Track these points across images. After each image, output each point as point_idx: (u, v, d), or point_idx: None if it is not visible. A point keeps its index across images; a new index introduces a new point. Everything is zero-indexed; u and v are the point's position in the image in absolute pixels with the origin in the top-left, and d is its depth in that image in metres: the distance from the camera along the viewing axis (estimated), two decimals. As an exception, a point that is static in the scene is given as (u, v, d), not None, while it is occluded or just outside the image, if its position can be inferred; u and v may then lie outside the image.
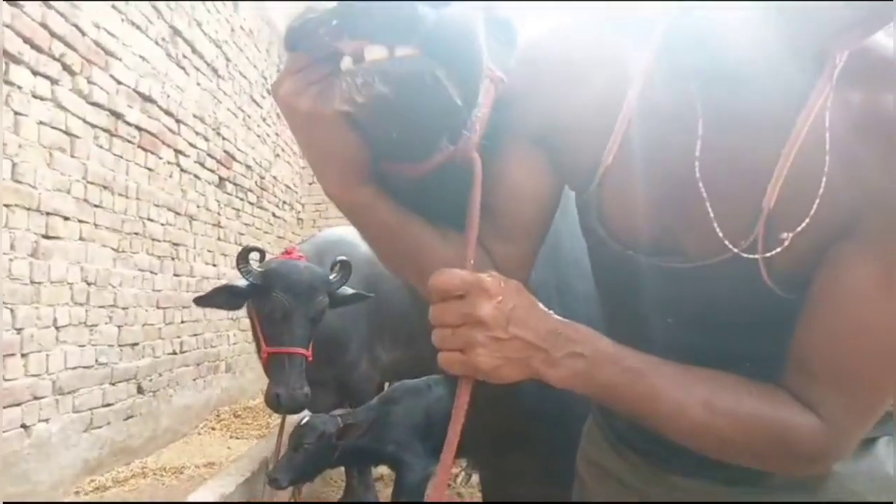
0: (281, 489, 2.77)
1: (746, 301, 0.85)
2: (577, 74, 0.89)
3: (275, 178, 7.48)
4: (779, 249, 0.79)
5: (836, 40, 0.72)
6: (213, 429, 5.24)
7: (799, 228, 0.78)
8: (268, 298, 2.62)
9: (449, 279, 0.78)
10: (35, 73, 3.32)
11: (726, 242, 0.81)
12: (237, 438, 4.97)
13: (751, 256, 0.80)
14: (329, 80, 0.72)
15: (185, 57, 5.11)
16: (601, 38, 0.90)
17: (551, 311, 0.82)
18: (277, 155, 7.66)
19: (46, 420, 3.38)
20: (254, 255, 2.77)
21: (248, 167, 6.58)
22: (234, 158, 6.15)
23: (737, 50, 0.72)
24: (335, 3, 0.70)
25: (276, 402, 2.60)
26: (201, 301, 2.69)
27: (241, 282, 2.65)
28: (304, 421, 2.87)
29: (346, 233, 3.43)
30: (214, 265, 5.69)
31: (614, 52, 0.88)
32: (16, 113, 3.17)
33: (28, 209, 3.25)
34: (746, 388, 0.81)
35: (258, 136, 6.94)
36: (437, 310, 0.79)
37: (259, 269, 2.68)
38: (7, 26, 3.09)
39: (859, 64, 0.76)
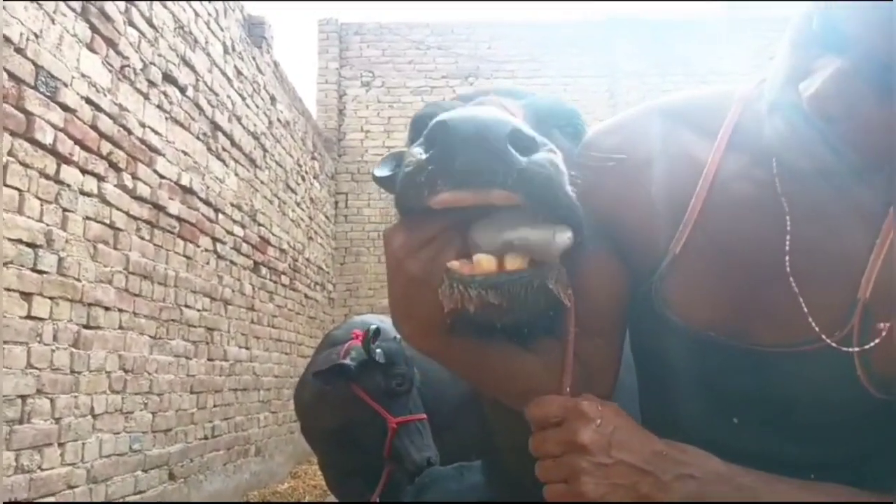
0: None
1: (832, 398, 0.82)
2: (638, 167, 0.91)
3: (307, 259, 7.65)
4: (877, 340, 0.77)
5: None
6: (243, 515, 5.22)
7: None
8: (391, 373, 2.78)
9: (545, 407, 0.79)
10: (84, 172, 3.52)
11: (823, 337, 0.79)
12: (266, 525, 4.93)
13: (849, 349, 0.79)
14: (440, 246, 0.75)
15: (224, 150, 5.36)
16: (660, 129, 0.92)
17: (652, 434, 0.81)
18: (310, 238, 7.85)
19: (79, 509, 3.42)
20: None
21: (282, 251, 6.75)
22: (268, 243, 6.33)
23: (821, 145, 0.72)
24: (426, 155, 0.73)
25: (427, 464, 2.65)
26: (320, 375, 2.80)
27: (350, 362, 2.80)
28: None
29: (374, 318, 3.53)
30: (247, 348, 5.79)
31: (678, 144, 0.90)
32: (64, 210, 3.35)
33: (71, 300, 3.39)
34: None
35: (292, 220, 7.15)
36: (537, 440, 0.79)
37: (377, 349, 2.81)
38: (60, 130, 3.30)
39: None
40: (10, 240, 2.93)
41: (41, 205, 3.16)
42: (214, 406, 5.12)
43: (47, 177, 3.22)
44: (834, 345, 0.79)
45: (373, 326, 2.87)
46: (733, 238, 0.85)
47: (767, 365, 0.84)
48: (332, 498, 5.36)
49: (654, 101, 1.00)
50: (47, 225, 3.20)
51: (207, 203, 5.01)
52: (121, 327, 3.85)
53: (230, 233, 5.44)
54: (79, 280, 3.45)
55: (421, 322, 0.81)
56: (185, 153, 4.68)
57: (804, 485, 0.79)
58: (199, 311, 4.86)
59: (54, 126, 3.25)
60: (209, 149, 5.09)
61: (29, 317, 3.07)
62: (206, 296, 5.00)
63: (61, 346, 3.30)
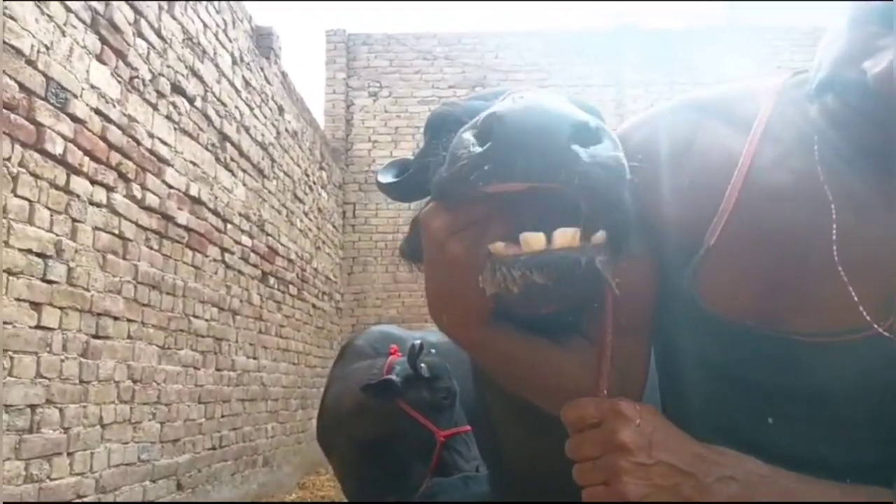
0: None
1: (871, 390, 0.80)
2: (670, 159, 0.90)
3: (315, 269, 7.66)
4: None
5: None
6: (250, 526, 5.21)
7: None
8: (436, 387, 2.79)
9: (583, 408, 0.77)
10: (93, 182, 3.54)
11: (874, 325, 0.78)
12: (274, 536, 4.92)
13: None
14: (484, 227, 0.72)
15: (232, 160, 5.38)
16: (693, 122, 0.92)
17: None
18: (318, 247, 7.87)
19: (88, 519, 3.42)
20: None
21: (290, 261, 6.76)
22: (276, 253, 6.35)
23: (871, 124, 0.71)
24: (482, 149, 0.69)
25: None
26: (369, 389, 2.82)
27: (396, 377, 2.81)
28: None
29: (391, 328, 3.55)
30: (255, 358, 5.79)
31: (711, 136, 0.89)
32: (73, 220, 3.36)
33: (80, 311, 3.40)
34: None
35: (300, 230, 7.17)
36: (574, 443, 0.77)
37: (421, 363, 2.83)
38: (70, 140, 3.32)
39: None
40: (20, 250, 2.94)
41: (51, 215, 3.18)
42: (222, 416, 5.11)
43: (57, 187, 3.24)
44: (886, 333, 0.77)
45: (416, 342, 2.90)
46: (773, 227, 0.83)
47: (805, 355, 0.82)
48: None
49: (686, 95, 1.00)
50: (57, 235, 3.22)
51: (216, 213, 5.03)
52: (129, 337, 3.86)
53: (238, 243, 5.46)
54: (88, 290, 3.46)
55: (463, 310, 0.78)
56: (194, 163, 4.71)
57: (846, 488, 0.78)
58: (207, 320, 4.86)
59: (64, 137, 3.28)
60: (217, 159, 5.11)
61: (39, 327, 3.08)
62: (215, 306, 5.01)
63: (70, 356, 3.31)
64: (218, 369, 5.05)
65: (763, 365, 0.86)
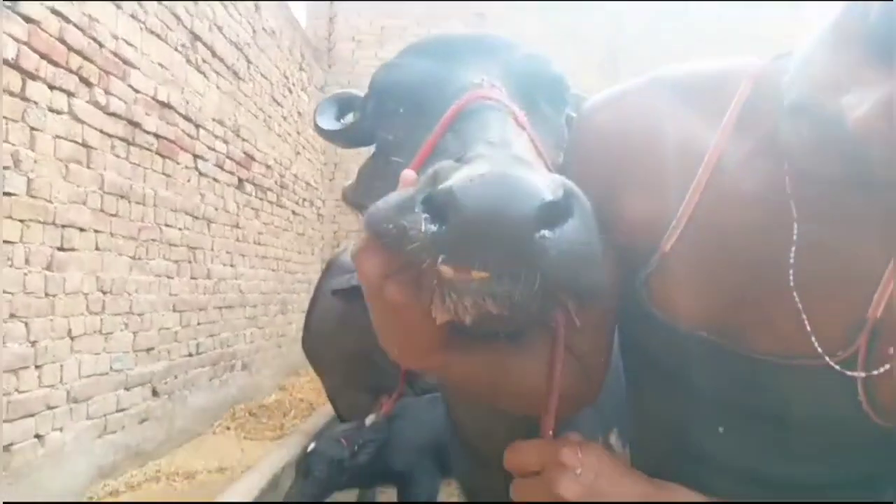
0: None
1: (829, 417, 0.77)
2: (634, 150, 0.84)
3: (295, 175, 7.52)
4: (886, 367, 0.72)
5: None
6: (228, 428, 5.32)
7: None
8: None
9: (524, 455, 0.76)
10: (52, 88, 3.37)
11: (827, 358, 0.74)
12: (251, 440, 5.04)
13: (852, 373, 0.73)
14: (423, 276, 0.66)
15: (204, 62, 5.15)
16: (661, 107, 0.85)
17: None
18: (298, 153, 7.70)
19: (60, 429, 3.46)
20: None
21: (268, 167, 6.62)
22: (253, 159, 6.20)
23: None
24: (433, 231, 0.61)
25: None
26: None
27: None
28: (312, 448, 2.90)
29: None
30: (232, 266, 5.76)
31: (679, 124, 0.82)
32: (32, 128, 3.22)
33: (43, 223, 3.31)
34: None
35: (279, 135, 6.98)
36: (517, 487, 0.77)
37: None
38: (24, 43, 3.13)
39: None
40: (-28, 162, 2.83)
41: (6, 123, 3.04)
42: (199, 324, 5.13)
43: (12, 94, 3.08)
44: (836, 367, 0.74)
45: None
46: (732, 235, 0.78)
47: (761, 373, 0.79)
48: (322, 409, 5.47)
49: (658, 71, 0.91)
50: (13, 145, 3.09)
51: (187, 118, 4.85)
52: (97, 248, 3.79)
53: (212, 149, 5.31)
54: (50, 202, 3.36)
55: (411, 346, 0.75)
56: (162, 66, 4.49)
57: None
58: (180, 230, 4.79)
59: (17, 39, 3.09)
60: (188, 61, 4.89)
61: (-2, 240, 3.00)
62: (188, 214, 4.92)
63: (34, 270, 3.25)
64: (193, 278, 5.02)
65: (716, 377, 0.82)
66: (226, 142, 5.56)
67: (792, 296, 0.75)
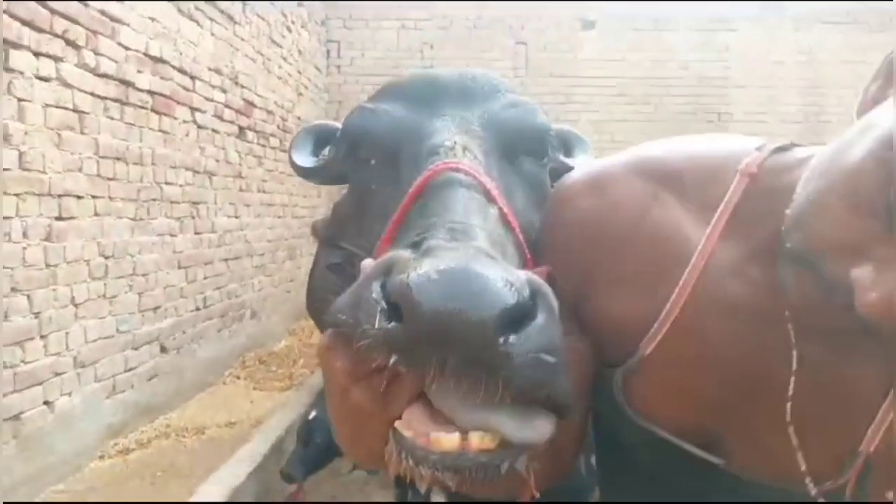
0: (294, 482, 2.89)
1: None
2: (615, 243, 0.79)
3: (298, 118, 7.41)
4: None
5: None
6: (238, 378, 5.44)
7: None
8: None
9: None
10: (37, 55, 3.29)
11: (813, 492, 0.72)
12: (260, 391, 5.15)
13: None
14: (391, 377, 0.65)
15: (196, 9, 5.00)
16: (646, 196, 0.79)
17: None
18: (300, 94, 7.56)
19: (69, 393, 3.55)
20: None
21: (269, 112, 6.52)
22: (253, 105, 6.10)
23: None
24: (387, 328, 0.60)
25: None
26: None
27: None
28: (313, 416, 2.97)
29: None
30: (237, 217, 5.75)
31: (665, 217, 0.77)
32: (19, 100, 3.17)
33: (39, 195, 3.30)
34: None
35: (279, 77, 6.85)
36: None
37: None
38: (3, 12, 3.04)
39: None
40: (-40, 141, 2.80)
41: (-8, 97, 2.99)
42: (205, 278, 5.17)
43: (-5, 66, 3.02)
44: (822, 501, 0.72)
45: None
46: (719, 347, 0.74)
47: (741, 489, 0.76)
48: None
49: (643, 150, 0.85)
50: (2, 119, 3.04)
51: (182, 71, 4.75)
52: (96, 214, 3.79)
53: (210, 100, 5.22)
54: (44, 172, 3.34)
55: (368, 451, 0.73)
56: (153, 19, 4.37)
57: None
58: (181, 186, 4.76)
59: (-4, 8, 3.00)
60: (179, 10, 4.75)
61: (-7, 217, 3.00)
62: (188, 169, 4.88)
63: (33, 242, 3.26)
64: (197, 233, 5.03)
65: (692, 481, 0.80)
66: (224, 90, 5.46)
67: (787, 430, 0.72)
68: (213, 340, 5.32)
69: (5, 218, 3.07)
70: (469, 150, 0.89)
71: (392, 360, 0.60)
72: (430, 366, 0.59)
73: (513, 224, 0.83)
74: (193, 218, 4.97)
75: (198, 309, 5.06)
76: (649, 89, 8.74)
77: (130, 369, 4.13)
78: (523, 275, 0.64)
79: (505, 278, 0.61)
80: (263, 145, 6.37)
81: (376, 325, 0.60)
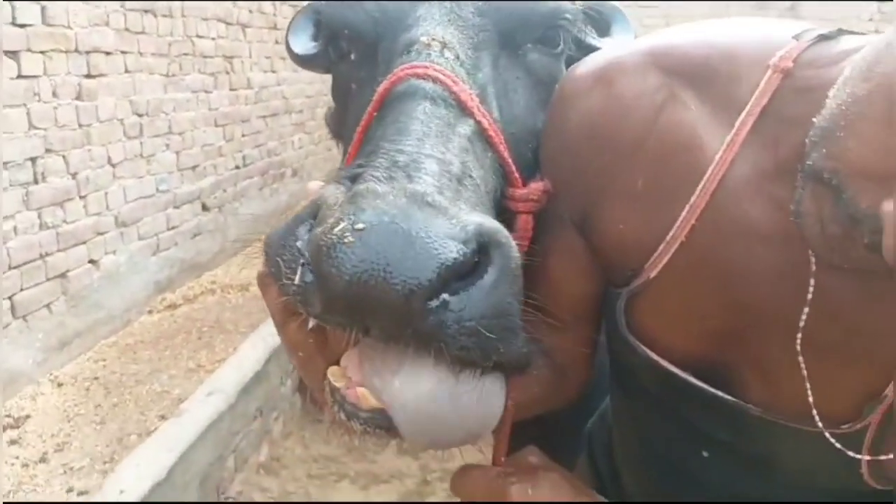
0: None
1: (822, 478, 0.71)
2: (624, 149, 0.70)
3: (336, -36, 7.00)
4: None
5: None
6: (281, 235, 5.51)
7: None
8: None
9: (472, 486, 0.75)
10: None
11: (827, 434, 0.66)
12: (301, 248, 5.23)
13: (858, 456, 0.65)
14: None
15: None
16: (663, 94, 0.69)
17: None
18: (339, -64, 7.09)
19: (113, 252, 3.63)
20: None
21: (306, -43, 6.15)
22: (288, -50, 5.75)
23: None
24: (307, 282, 0.57)
25: None
26: None
27: None
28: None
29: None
30: (273, 71, 5.59)
31: (681, 119, 0.67)
32: (36, -52, 3.00)
33: (66, 52, 3.21)
34: None
35: (315, -82, 6.39)
36: None
37: None
38: None
39: None
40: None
41: (7, -53, 2.84)
42: (243, 136, 5.12)
43: (7, -89, 2.84)
44: (838, 445, 0.65)
45: None
46: (732, 273, 0.66)
47: (750, 424, 0.71)
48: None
49: (661, 37, 0.73)
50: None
51: (209, -87, 4.45)
52: (127, 71, 3.70)
53: (241, -55, 4.92)
54: (69, 28, 3.23)
55: (316, 389, 0.70)
56: None
57: None
58: (213, 39, 4.60)
59: None
60: None
61: (20, 76, 2.94)
62: (221, 21, 4.70)
63: (64, 102, 3.22)
64: (232, 89, 4.92)
65: (698, 411, 0.74)
66: (255, -65, 5.14)
67: (797, 360, 0.65)
68: (255, 199, 5.35)
69: (33, 77, 3.01)
70: (450, 46, 0.77)
71: (318, 312, 0.57)
72: (351, 330, 0.56)
73: (495, 140, 0.72)
74: (228, 73, 4.85)
75: (237, 167, 5.05)
76: None
77: (173, 227, 4.20)
78: (473, 224, 0.57)
79: (442, 233, 0.54)
80: (300, -6, 6.07)
81: (296, 280, 0.56)
